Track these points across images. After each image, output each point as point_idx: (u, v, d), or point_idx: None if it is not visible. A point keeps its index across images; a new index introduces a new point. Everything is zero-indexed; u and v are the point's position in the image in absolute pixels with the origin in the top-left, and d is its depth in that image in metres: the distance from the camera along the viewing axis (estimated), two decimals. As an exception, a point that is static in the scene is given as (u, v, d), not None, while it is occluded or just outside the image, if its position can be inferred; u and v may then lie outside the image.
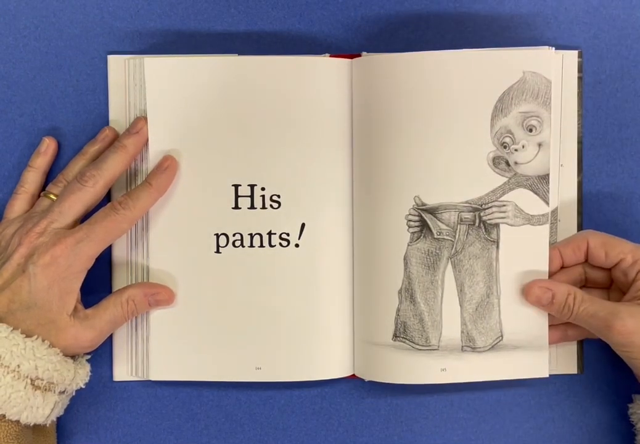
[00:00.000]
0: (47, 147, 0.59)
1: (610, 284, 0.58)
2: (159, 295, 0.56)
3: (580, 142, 0.60)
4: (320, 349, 0.58)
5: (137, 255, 0.58)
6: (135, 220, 0.55)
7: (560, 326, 0.58)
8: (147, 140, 0.57)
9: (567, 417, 0.61)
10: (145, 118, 0.57)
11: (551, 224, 0.58)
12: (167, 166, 0.56)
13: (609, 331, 0.53)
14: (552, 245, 0.57)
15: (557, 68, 0.59)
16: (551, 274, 0.57)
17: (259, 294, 0.57)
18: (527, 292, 0.56)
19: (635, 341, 0.52)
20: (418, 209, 0.56)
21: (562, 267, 0.58)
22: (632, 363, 0.55)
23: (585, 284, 0.58)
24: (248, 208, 0.57)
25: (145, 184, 0.55)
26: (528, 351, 0.57)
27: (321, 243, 0.57)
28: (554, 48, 0.57)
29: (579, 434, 0.61)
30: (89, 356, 0.56)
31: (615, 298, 0.57)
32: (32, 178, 0.58)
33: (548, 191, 0.57)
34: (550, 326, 0.57)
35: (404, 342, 0.56)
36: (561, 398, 0.61)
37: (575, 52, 0.59)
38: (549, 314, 0.57)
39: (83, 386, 0.54)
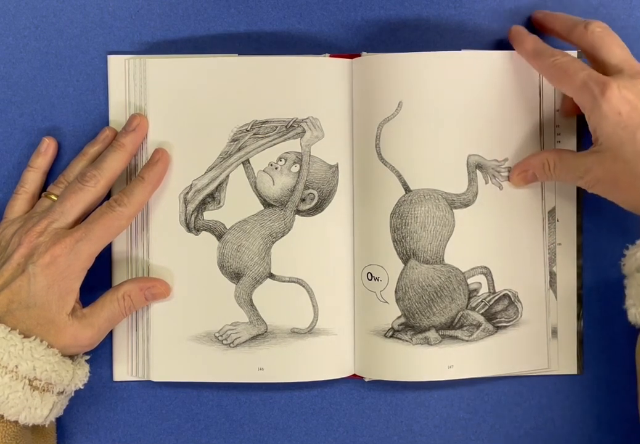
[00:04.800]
0: (47, 147, 0.59)
1: None
2: (155, 288, 0.57)
3: (580, 143, 0.60)
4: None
5: (137, 252, 0.59)
6: (133, 216, 0.55)
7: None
8: (145, 137, 0.57)
9: (567, 417, 0.61)
10: (141, 115, 0.57)
11: (549, 224, 0.59)
12: (158, 158, 0.56)
13: (581, 183, 0.54)
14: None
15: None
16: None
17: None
18: (513, 182, 0.58)
19: (600, 186, 0.54)
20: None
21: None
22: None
23: None
24: None
25: (138, 178, 0.56)
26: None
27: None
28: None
29: (579, 434, 0.61)
30: (87, 357, 0.56)
31: None
32: (32, 178, 0.58)
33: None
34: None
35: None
36: (561, 398, 0.61)
37: (574, 53, 0.59)
38: None
39: (82, 387, 0.54)
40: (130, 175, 0.59)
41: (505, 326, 0.58)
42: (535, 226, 0.58)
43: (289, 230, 0.58)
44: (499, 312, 0.58)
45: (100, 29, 0.60)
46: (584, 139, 0.60)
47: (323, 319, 0.58)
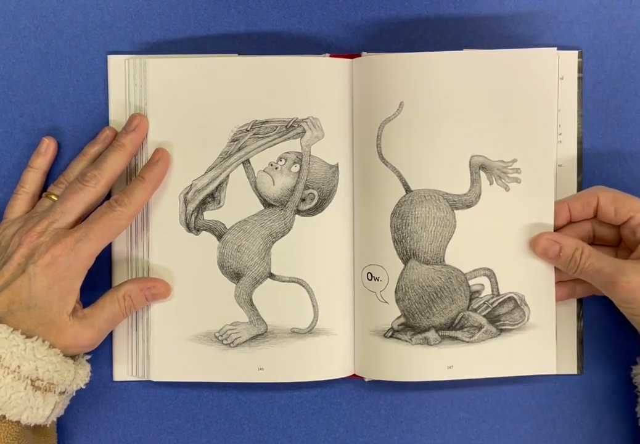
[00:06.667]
0: (47, 147, 0.59)
1: (619, 242, 0.58)
2: (155, 288, 0.56)
3: (580, 143, 0.60)
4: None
5: (137, 252, 0.59)
6: (133, 216, 0.55)
7: (569, 282, 0.58)
8: (145, 136, 0.57)
9: (567, 417, 0.61)
10: (141, 114, 0.57)
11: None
12: (159, 158, 0.56)
13: (614, 287, 0.53)
14: (561, 199, 0.57)
15: (560, 67, 0.59)
16: (558, 229, 0.57)
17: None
18: (534, 243, 0.56)
19: (638, 297, 0.52)
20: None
21: (570, 223, 0.58)
22: (634, 319, 0.55)
23: (593, 241, 0.58)
24: None
25: (139, 178, 0.56)
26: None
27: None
28: (555, 48, 0.57)
29: (579, 434, 0.61)
30: (89, 356, 0.56)
31: (623, 256, 0.57)
32: (32, 178, 0.58)
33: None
34: (558, 282, 0.57)
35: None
36: (561, 398, 0.61)
37: (575, 52, 0.59)
38: (555, 269, 0.57)
39: (83, 387, 0.54)
40: (130, 175, 0.59)
41: (510, 329, 0.57)
42: (545, 229, 0.57)
43: (289, 230, 0.58)
44: (503, 315, 0.57)
45: (100, 29, 0.60)
46: (585, 138, 0.60)
47: (323, 319, 0.58)
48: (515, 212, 0.57)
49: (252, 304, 0.58)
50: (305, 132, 0.57)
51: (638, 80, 0.61)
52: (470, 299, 0.57)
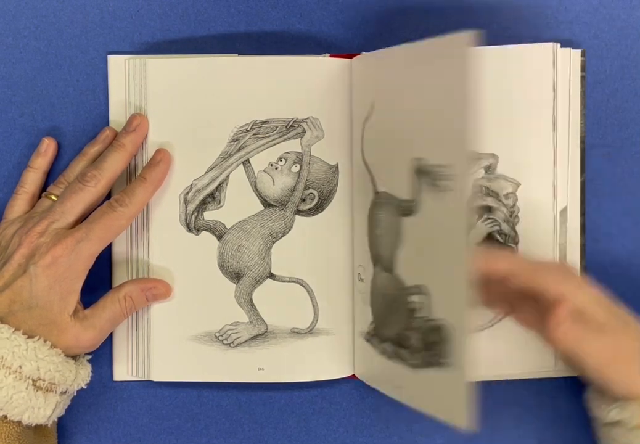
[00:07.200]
0: (47, 147, 0.59)
1: None
2: (156, 289, 0.57)
3: (583, 142, 0.59)
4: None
5: (138, 252, 0.59)
6: (134, 216, 0.55)
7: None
8: (145, 137, 0.57)
9: (567, 417, 0.61)
10: (141, 115, 0.57)
11: (561, 224, 0.58)
12: (160, 159, 0.56)
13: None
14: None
15: (564, 65, 0.58)
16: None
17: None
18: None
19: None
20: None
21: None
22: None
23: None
24: None
25: (140, 178, 0.56)
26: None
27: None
28: (559, 44, 0.56)
29: (579, 434, 0.61)
30: (89, 356, 0.56)
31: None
32: (32, 178, 0.58)
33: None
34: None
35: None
36: (561, 398, 0.61)
37: (578, 51, 0.59)
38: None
39: (84, 387, 0.54)
40: (130, 175, 0.59)
41: (439, 364, 0.48)
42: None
43: (289, 230, 0.58)
44: (433, 344, 0.48)
45: (100, 29, 0.60)
46: (586, 138, 0.60)
47: (323, 319, 0.58)
48: (453, 223, 0.46)
49: (252, 304, 0.58)
50: (305, 132, 0.57)
51: (638, 80, 0.61)
52: (409, 317, 0.50)
